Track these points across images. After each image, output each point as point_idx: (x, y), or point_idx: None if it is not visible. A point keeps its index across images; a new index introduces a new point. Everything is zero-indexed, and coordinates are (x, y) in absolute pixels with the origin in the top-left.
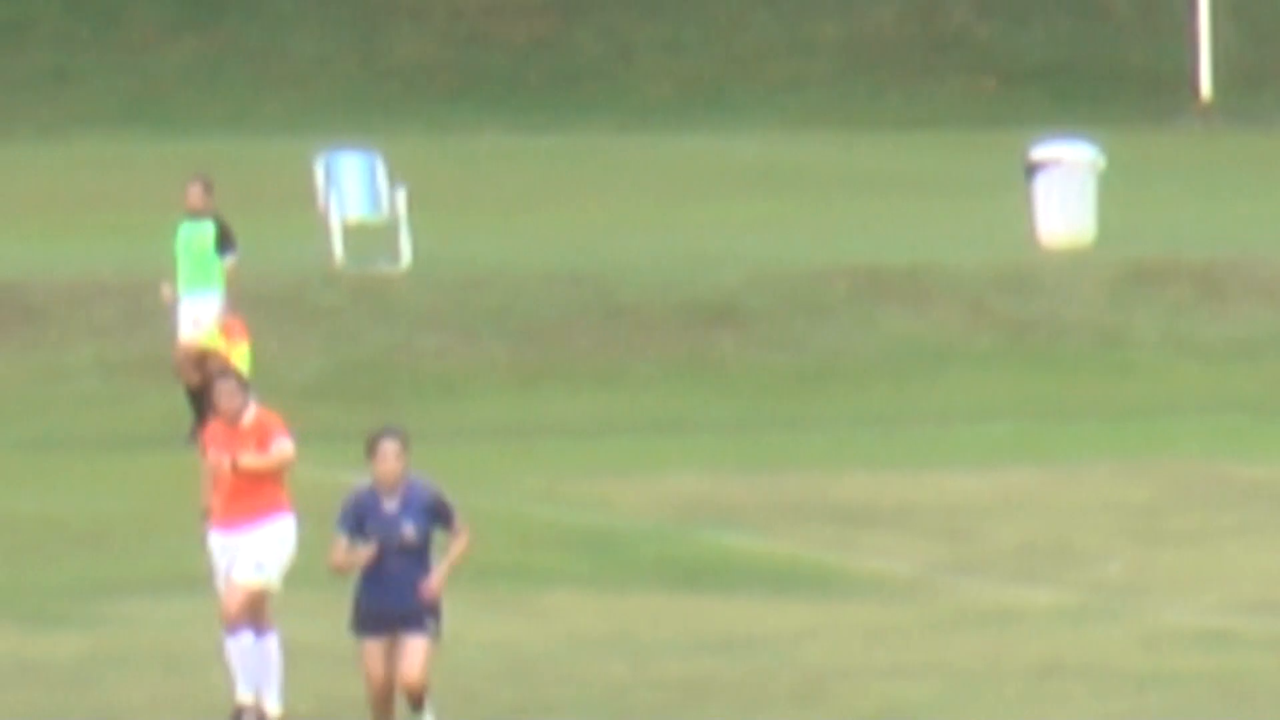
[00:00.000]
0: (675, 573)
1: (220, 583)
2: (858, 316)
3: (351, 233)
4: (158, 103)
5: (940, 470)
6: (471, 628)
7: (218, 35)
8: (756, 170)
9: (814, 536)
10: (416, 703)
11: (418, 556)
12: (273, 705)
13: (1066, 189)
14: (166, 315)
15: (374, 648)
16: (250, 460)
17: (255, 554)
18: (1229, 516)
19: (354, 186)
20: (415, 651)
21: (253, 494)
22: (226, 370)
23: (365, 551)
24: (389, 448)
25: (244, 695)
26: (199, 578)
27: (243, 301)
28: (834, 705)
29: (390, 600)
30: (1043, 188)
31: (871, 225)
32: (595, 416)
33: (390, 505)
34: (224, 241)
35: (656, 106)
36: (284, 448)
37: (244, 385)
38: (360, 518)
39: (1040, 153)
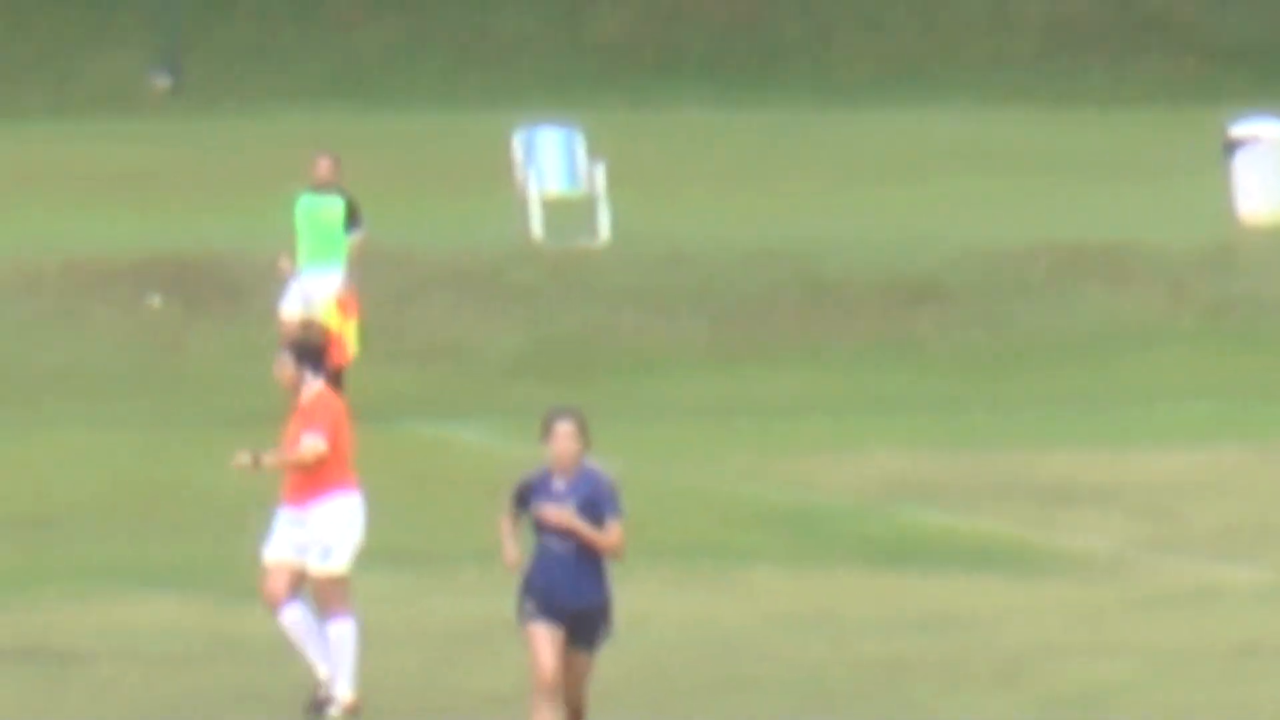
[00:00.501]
0: (876, 551)
1: (269, 554)
2: (1059, 295)
3: (550, 208)
4: (359, 79)
5: (1142, 449)
6: (672, 604)
7: (420, 12)
8: (957, 148)
9: (1015, 515)
10: (571, 713)
11: (585, 547)
12: (345, 690)
13: (1265, 167)
14: (280, 287)
15: (543, 632)
16: (270, 458)
17: (322, 540)
18: None
19: (552, 161)
20: (580, 670)
21: (310, 472)
22: (287, 343)
23: (511, 555)
24: (563, 428)
25: (324, 670)
26: (402, 552)
27: (443, 278)
28: (1033, 684)
29: (562, 592)
30: (1242, 166)
31: (1072, 204)
32: (796, 395)
33: (559, 485)
34: (353, 217)
35: (857, 84)
36: (308, 445)
37: (303, 359)
38: (530, 494)
39: (1239, 130)
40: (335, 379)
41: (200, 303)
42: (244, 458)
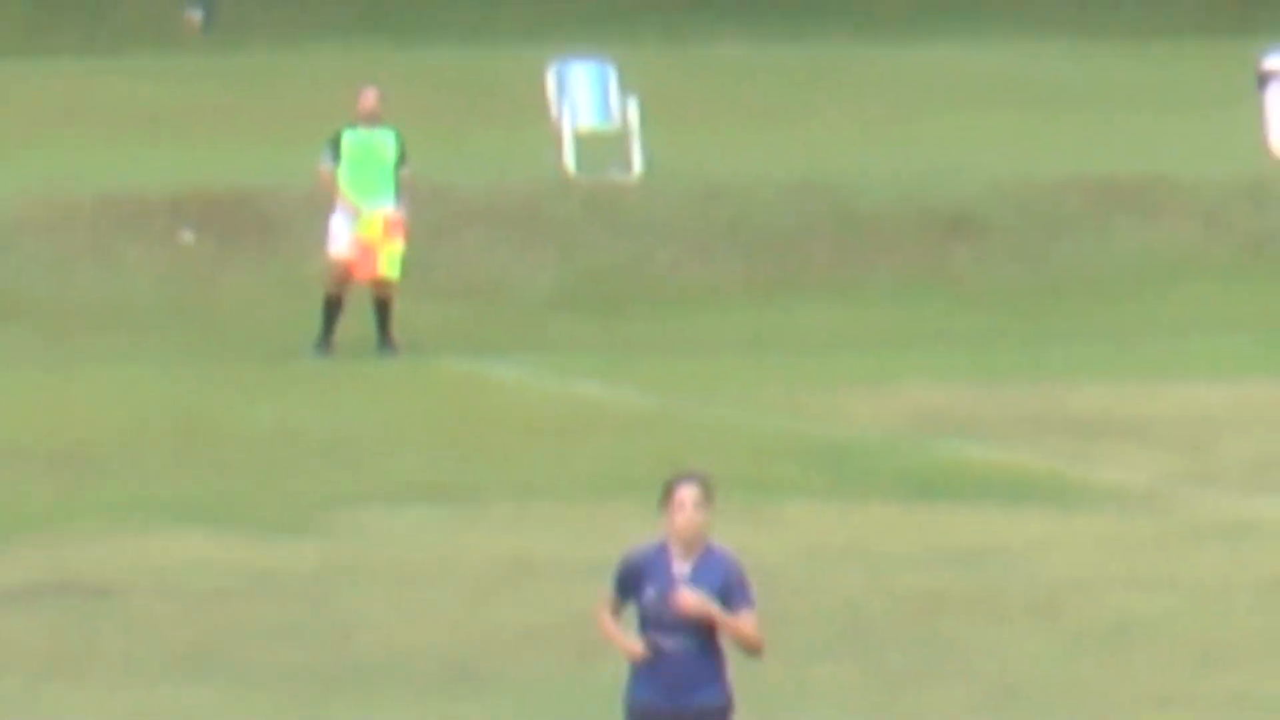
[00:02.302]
0: (911, 484)
1: None
2: (1094, 229)
3: (583, 142)
4: (393, 13)
5: (1177, 383)
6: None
7: None
8: (992, 82)
9: (1050, 448)
10: None
11: (706, 642)
12: None
13: None
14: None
15: None
16: None
17: None
18: None
19: (585, 96)
20: None
21: None
22: None
23: (634, 645)
24: (688, 495)
25: None
26: (436, 488)
27: (477, 213)
28: (1070, 617)
29: (679, 695)
30: (1274, 98)
31: (1107, 137)
32: (830, 329)
33: (682, 567)
34: (404, 151)
35: (892, 18)
36: None
37: None
38: (639, 578)
39: (1271, 62)
40: (382, 309)
41: (232, 239)
42: None
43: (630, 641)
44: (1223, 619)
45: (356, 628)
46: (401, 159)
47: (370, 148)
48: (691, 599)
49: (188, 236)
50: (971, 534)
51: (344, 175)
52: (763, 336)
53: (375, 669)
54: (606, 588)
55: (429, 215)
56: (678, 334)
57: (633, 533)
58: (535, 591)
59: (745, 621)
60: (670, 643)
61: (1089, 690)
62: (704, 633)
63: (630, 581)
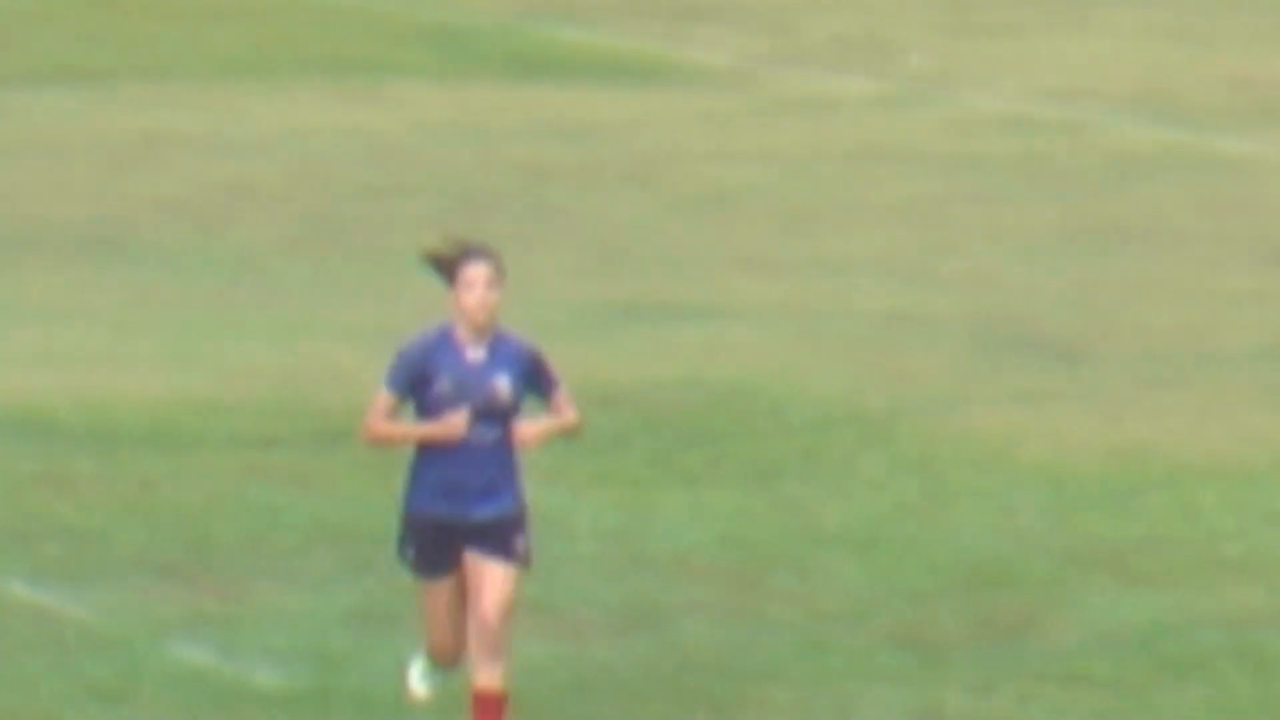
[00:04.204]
0: (516, 65)
1: None
2: None
3: None
4: None
5: None
6: (326, 115)
7: None
8: None
9: (643, 30)
10: (489, 655)
11: (505, 434)
12: None
13: None
14: None
15: (440, 592)
16: None
17: None
18: (1034, 10)
19: None
20: (495, 582)
21: None
22: None
23: (450, 423)
24: (478, 274)
25: None
26: (74, 69)
27: None
28: (665, 186)
29: (462, 503)
30: None
31: None
32: None
33: (476, 354)
34: None
35: None
36: None
37: None
38: (426, 372)
39: None
40: None
41: None
42: None
43: (441, 424)
44: (806, 187)
45: (2, 201)
46: None
47: None
48: (534, 434)
49: None
50: (572, 110)
51: None
52: None
53: (21, 240)
54: (382, 397)
55: None
56: None
57: (254, 110)
58: (168, 166)
59: (570, 413)
60: (473, 433)
61: (683, 253)
62: (503, 425)
63: (414, 377)
